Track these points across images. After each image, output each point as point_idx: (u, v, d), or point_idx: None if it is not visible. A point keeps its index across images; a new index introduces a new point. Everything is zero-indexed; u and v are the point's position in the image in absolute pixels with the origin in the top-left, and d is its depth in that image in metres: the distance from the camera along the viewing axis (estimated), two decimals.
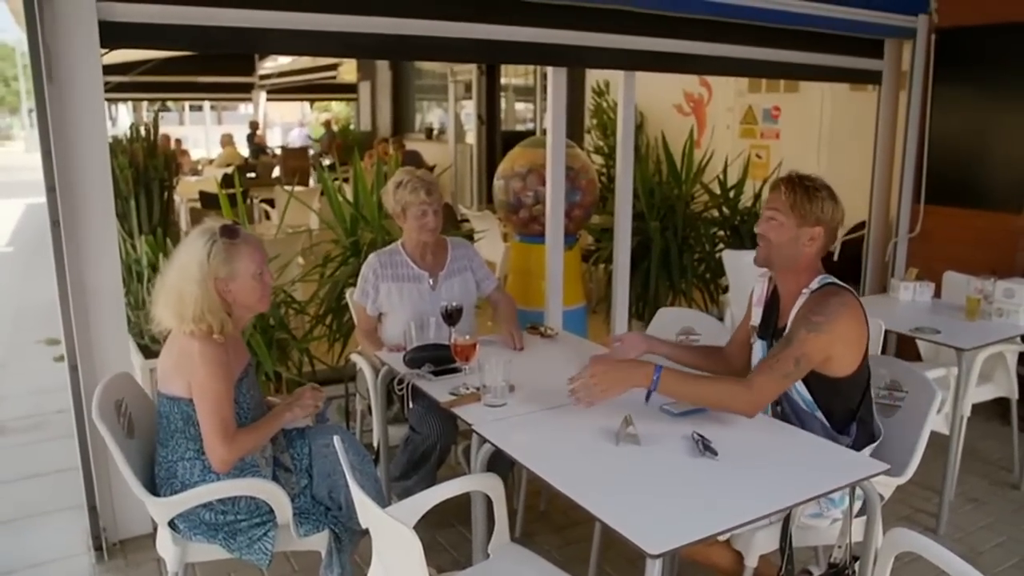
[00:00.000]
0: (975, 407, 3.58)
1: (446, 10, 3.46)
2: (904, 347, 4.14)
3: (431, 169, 10.99)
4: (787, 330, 2.30)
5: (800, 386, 2.33)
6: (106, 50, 2.90)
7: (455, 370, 2.66)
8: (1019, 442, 3.79)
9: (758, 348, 2.51)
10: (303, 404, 2.43)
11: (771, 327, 2.46)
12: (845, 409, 2.33)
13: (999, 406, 3.96)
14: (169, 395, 2.25)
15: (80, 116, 2.83)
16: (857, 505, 2.25)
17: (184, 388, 2.22)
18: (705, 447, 2.06)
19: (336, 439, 1.94)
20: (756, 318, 2.56)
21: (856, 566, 2.20)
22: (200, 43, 3.19)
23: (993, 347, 3.43)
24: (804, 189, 2.33)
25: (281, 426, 2.41)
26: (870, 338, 2.35)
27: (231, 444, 2.19)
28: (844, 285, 2.36)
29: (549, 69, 3.95)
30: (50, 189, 2.80)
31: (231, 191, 4.16)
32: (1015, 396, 3.74)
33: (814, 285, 2.34)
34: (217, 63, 11.94)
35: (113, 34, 2.84)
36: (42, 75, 2.70)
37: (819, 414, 2.33)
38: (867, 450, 2.33)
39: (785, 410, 2.39)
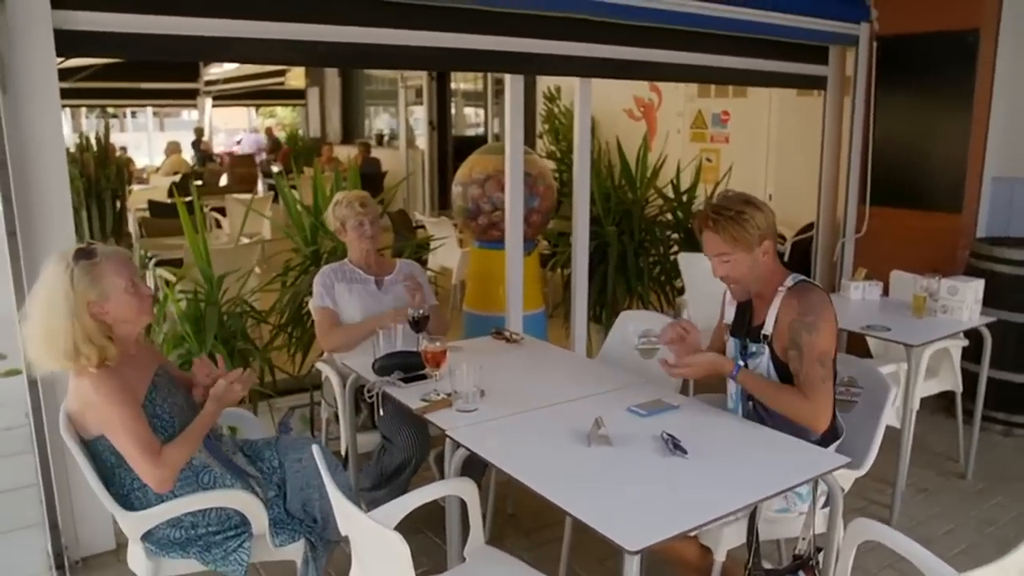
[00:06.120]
0: (922, 401, 3.70)
1: (403, 19, 3.47)
2: (854, 344, 4.27)
3: (383, 175, 10.99)
4: (787, 341, 2.37)
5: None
6: (62, 59, 2.85)
7: (424, 377, 2.69)
8: (964, 433, 3.94)
9: (731, 346, 2.59)
10: (228, 398, 2.34)
11: (745, 326, 2.54)
12: None
13: (944, 399, 4.11)
14: (89, 439, 2.20)
15: (36, 126, 2.78)
16: (821, 500, 2.34)
17: (97, 427, 2.17)
18: (675, 446, 2.12)
19: (315, 449, 1.95)
20: (729, 317, 2.63)
21: (820, 557, 2.29)
22: (158, 51, 3.14)
23: (939, 343, 3.57)
24: (731, 220, 2.35)
25: (212, 423, 2.33)
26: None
27: (160, 461, 2.13)
28: (814, 282, 2.48)
29: (506, 77, 3.98)
30: (5, 199, 2.74)
31: (187, 199, 4.11)
32: (959, 389, 3.88)
33: (789, 283, 2.43)
34: (161, 69, 11.74)
35: (70, 43, 2.79)
36: None
37: None
38: (832, 447, 2.41)
39: (758, 408, 2.47)
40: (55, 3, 2.71)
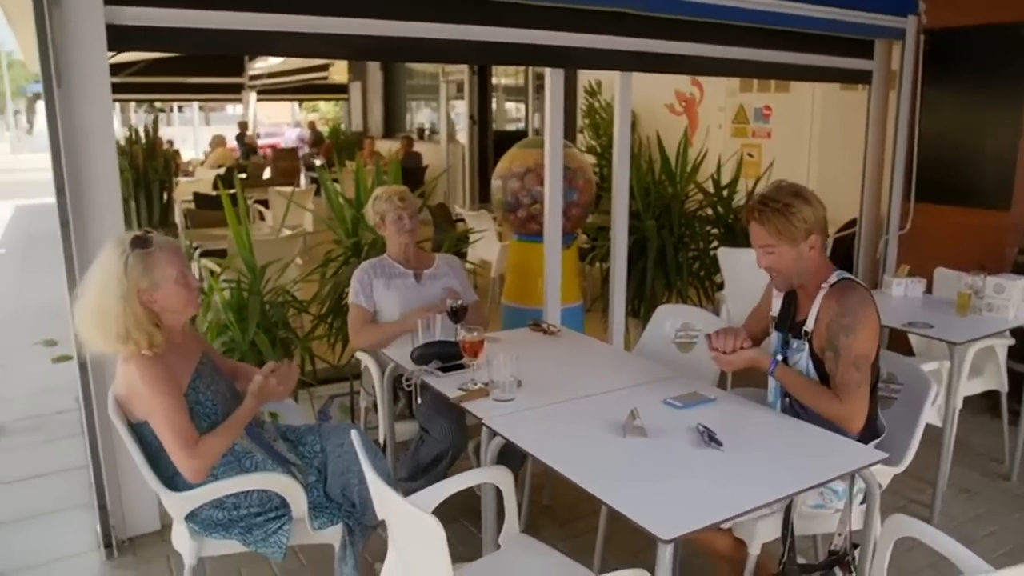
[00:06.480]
0: (965, 400, 3.65)
1: (446, 13, 3.51)
2: (896, 341, 4.22)
3: (424, 169, 11.07)
4: (824, 341, 2.37)
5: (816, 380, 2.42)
6: (113, 53, 2.93)
7: (461, 366, 2.72)
8: (1009, 434, 3.87)
9: (774, 339, 2.59)
10: (266, 394, 2.39)
11: (789, 320, 2.54)
12: None
13: (988, 400, 4.04)
14: (135, 423, 2.26)
15: (88, 119, 2.86)
16: (858, 498, 2.32)
17: (142, 412, 2.23)
18: (710, 438, 2.12)
19: (354, 433, 1.99)
20: (775, 309, 2.63)
21: (856, 553, 2.27)
22: (206, 46, 3.21)
23: (984, 341, 3.50)
24: (778, 213, 2.35)
25: (249, 418, 2.36)
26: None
27: (195, 451, 2.18)
28: (857, 280, 2.45)
29: (547, 70, 3.99)
30: (59, 190, 2.83)
31: (231, 191, 4.19)
32: (1005, 389, 3.82)
33: (832, 279, 2.42)
34: (207, 64, 11.93)
35: (121, 37, 2.87)
36: (52, 78, 2.74)
37: None
38: (871, 444, 2.39)
39: (795, 405, 2.46)
40: None
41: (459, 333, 2.75)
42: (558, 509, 3.46)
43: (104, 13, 2.80)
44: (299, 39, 3.25)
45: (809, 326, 2.43)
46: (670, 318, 3.28)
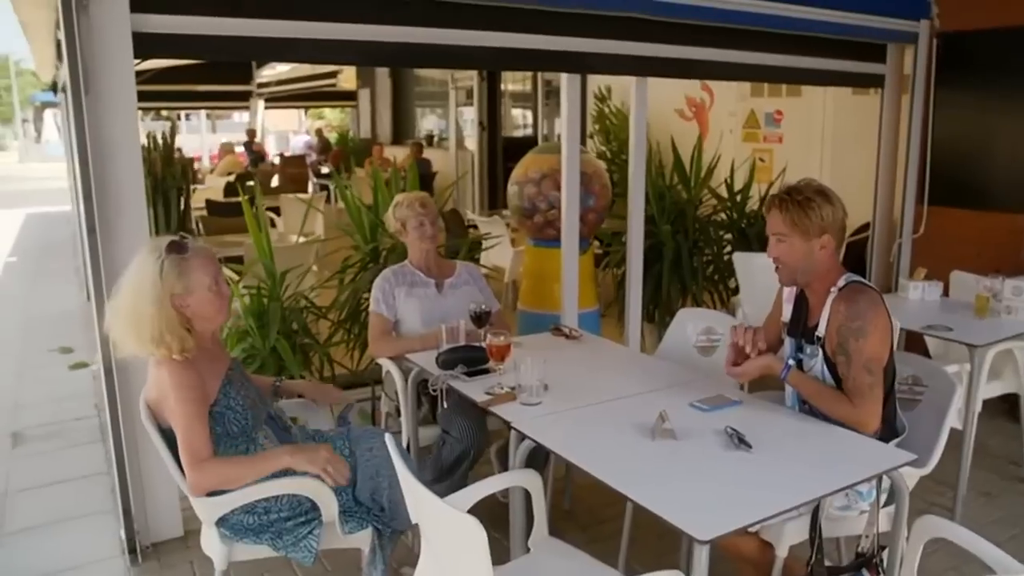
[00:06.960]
0: (984, 403, 3.64)
1: (462, 19, 3.52)
2: (912, 346, 4.22)
3: (434, 175, 11.11)
4: (835, 345, 2.37)
5: (831, 384, 2.42)
6: (139, 60, 2.96)
7: (486, 371, 2.74)
8: None
9: (787, 345, 2.60)
10: (314, 461, 2.28)
11: (800, 325, 2.54)
12: None
13: (1005, 403, 4.04)
14: (166, 427, 2.27)
15: (114, 125, 2.90)
16: (882, 498, 2.33)
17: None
18: (740, 440, 2.13)
19: (388, 437, 2.00)
20: (787, 315, 2.63)
21: (883, 555, 2.28)
22: (227, 52, 3.26)
23: (1003, 343, 3.51)
24: (797, 204, 2.38)
25: (273, 469, 2.27)
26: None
27: (200, 466, 2.17)
28: (867, 283, 2.45)
29: (563, 76, 4.02)
30: (87, 197, 2.86)
31: (246, 198, 4.21)
32: (1023, 392, 3.82)
33: (841, 283, 2.42)
34: (215, 72, 11.99)
35: (146, 45, 2.90)
36: (80, 86, 2.77)
37: None
38: (891, 444, 2.40)
39: (815, 411, 2.47)
40: (134, 7, 2.81)
41: (486, 337, 2.76)
42: (579, 513, 3.46)
43: (131, 21, 2.82)
44: (317, 45, 3.28)
45: (821, 331, 2.44)
46: (691, 322, 3.28)
